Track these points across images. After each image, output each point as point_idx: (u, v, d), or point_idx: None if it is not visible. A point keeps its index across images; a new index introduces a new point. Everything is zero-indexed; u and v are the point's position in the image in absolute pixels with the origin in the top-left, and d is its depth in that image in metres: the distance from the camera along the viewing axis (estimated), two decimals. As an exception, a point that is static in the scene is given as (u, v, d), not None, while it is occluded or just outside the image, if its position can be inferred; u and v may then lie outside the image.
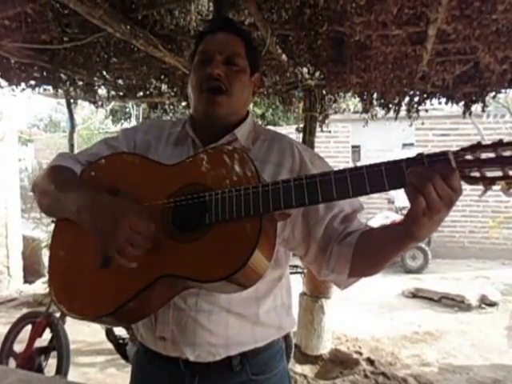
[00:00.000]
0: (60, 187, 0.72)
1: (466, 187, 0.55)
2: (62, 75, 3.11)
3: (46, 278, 4.08)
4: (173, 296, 0.68)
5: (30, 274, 4.43)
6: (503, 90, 2.89)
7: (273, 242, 0.62)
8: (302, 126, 3.09)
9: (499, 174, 0.52)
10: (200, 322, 0.71)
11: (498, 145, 0.52)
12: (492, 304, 3.97)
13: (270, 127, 7.15)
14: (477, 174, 0.53)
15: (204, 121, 0.77)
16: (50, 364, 2.26)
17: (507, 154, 0.51)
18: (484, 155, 0.52)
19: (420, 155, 0.55)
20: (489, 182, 0.52)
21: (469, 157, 0.53)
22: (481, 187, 0.54)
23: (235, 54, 0.75)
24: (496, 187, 0.54)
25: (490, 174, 0.52)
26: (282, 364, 0.80)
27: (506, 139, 0.52)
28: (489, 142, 0.53)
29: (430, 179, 0.52)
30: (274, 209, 0.60)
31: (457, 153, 0.53)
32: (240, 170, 0.64)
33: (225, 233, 0.61)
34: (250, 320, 0.74)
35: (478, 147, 0.53)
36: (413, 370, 2.67)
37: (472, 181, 0.53)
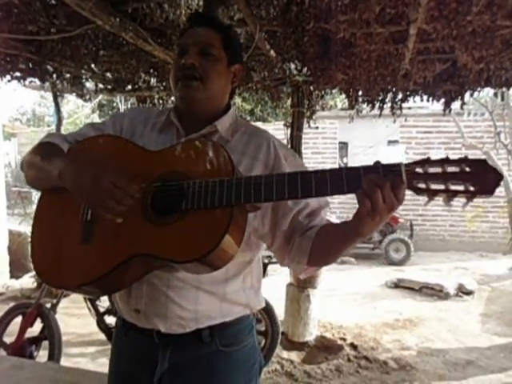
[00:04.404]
0: (45, 158, 0.76)
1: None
2: (49, 67, 3.07)
3: (33, 273, 4.05)
4: (147, 272, 0.72)
5: (16, 269, 4.37)
6: (480, 89, 3.04)
7: (243, 230, 0.68)
8: (289, 121, 3.16)
9: (442, 187, 0.58)
10: (171, 297, 0.75)
11: (445, 161, 0.58)
12: (468, 293, 4.16)
13: (259, 123, 7.19)
14: (423, 186, 0.58)
15: (185, 108, 0.81)
16: (41, 355, 2.28)
17: (451, 169, 0.57)
18: (432, 169, 0.58)
19: (377, 164, 0.61)
20: (432, 194, 0.58)
21: (419, 170, 0.59)
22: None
23: (209, 45, 0.79)
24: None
25: (433, 187, 0.58)
26: (251, 338, 0.85)
27: (453, 157, 0.59)
28: (437, 158, 0.59)
29: (380, 187, 0.58)
30: (245, 201, 0.65)
31: (408, 165, 0.59)
32: (217, 162, 0.69)
33: (199, 218, 0.66)
34: (219, 297, 0.78)
35: (427, 162, 0.59)
36: (393, 354, 2.81)
37: (418, 191, 0.59)
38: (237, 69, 0.84)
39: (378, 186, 0.58)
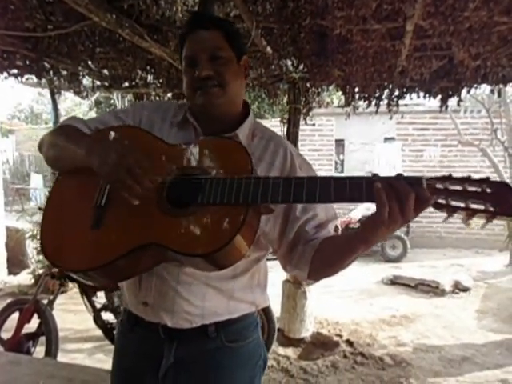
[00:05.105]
0: (70, 138, 0.77)
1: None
2: (46, 64, 3.06)
3: (30, 269, 4.04)
4: (156, 263, 0.72)
5: (14, 266, 4.37)
6: (477, 85, 3.04)
7: (255, 231, 0.67)
8: (286, 118, 3.16)
9: (462, 205, 0.57)
10: (179, 292, 0.76)
11: (466, 180, 0.58)
12: (464, 289, 4.19)
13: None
14: (443, 202, 0.59)
15: (204, 113, 0.80)
16: (38, 351, 2.28)
17: (471, 189, 0.58)
18: (452, 186, 0.58)
19: (399, 176, 0.61)
20: (451, 210, 0.58)
21: (439, 185, 0.59)
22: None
23: (218, 48, 0.78)
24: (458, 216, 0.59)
25: (454, 203, 0.58)
26: (256, 334, 0.86)
27: (474, 177, 0.59)
28: (458, 176, 0.59)
29: (406, 198, 0.57)
30: (261, 201, 0.64)
31: (429, 180, 0.59)
32: (237, 161, 0.69)
33: (213, 214, 0.66)
34: (226, 294, 0.79)
35: (448, 179, 0.59)
36: (389, 350, 2.83)
37: (438, 206, 0.59)
38: (245, 60, 0.84)
39: (401, 193, 0.58)
